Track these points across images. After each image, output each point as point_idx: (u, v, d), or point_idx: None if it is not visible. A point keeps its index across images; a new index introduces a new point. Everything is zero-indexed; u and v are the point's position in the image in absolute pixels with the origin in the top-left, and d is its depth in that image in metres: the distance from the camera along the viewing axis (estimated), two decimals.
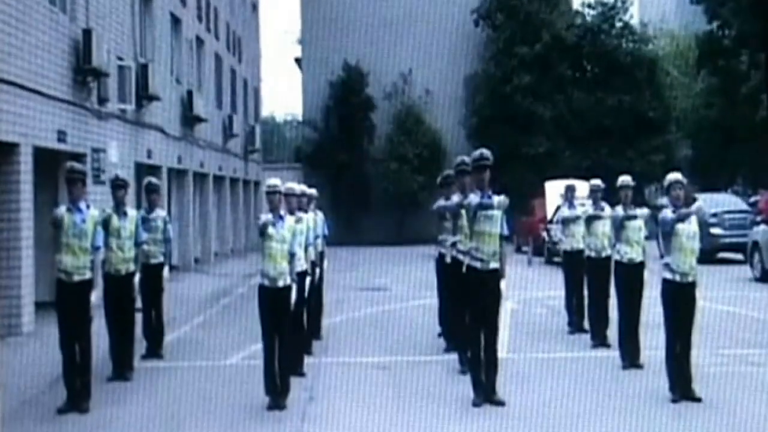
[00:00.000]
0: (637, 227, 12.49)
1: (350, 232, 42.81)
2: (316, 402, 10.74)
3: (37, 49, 16.62)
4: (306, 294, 12.25)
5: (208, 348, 14.64)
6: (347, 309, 18.83)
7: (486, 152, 10.52)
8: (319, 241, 14.33)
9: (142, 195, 14.11)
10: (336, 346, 14.53)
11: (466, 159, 11.57)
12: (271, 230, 10.41)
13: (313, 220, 13.69)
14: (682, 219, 10.40)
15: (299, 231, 11.17)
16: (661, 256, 10.69)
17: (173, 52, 28.26)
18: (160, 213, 13.77)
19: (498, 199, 10.45)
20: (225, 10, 37.16)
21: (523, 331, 15.38)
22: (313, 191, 14.66)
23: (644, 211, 12.73)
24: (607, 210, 13.96)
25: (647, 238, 12.62)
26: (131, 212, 12.53)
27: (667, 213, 10.54)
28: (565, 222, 15.67)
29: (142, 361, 13.08)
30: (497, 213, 10.41)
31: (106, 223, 11.64)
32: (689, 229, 10.53)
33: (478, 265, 10.39)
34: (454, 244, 12.27)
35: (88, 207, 10.76)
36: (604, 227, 13.85)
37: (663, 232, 10.58)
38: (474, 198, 10.48)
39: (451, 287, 12.43)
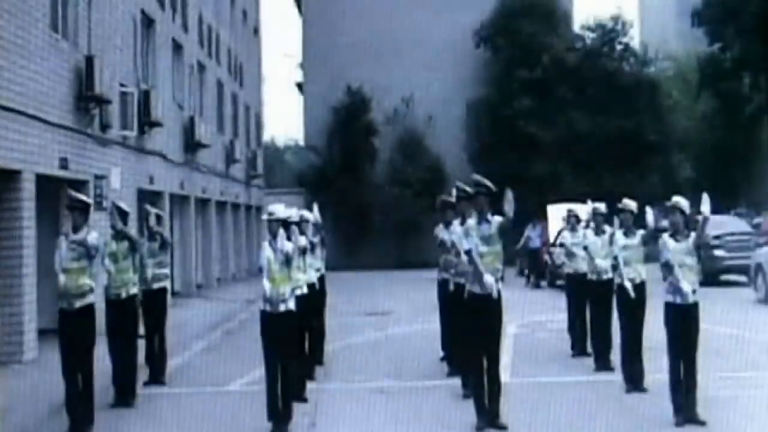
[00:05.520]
0: (637, 249, 12.49)
1: (352, 257, 42.75)
2: (318, 428, 10.72)
3: (39, 76, 16.68)
4: (307, 318, 12.24)
5: (210, 374, 14.63)
6: (349, 334, 18.76)
7: (479, 179, 10.62)
8: (319, 263, 14.31)
9: (143, 223, 14.15)
10: (338, 371, 14.50)
11: (467, 188, 11.58)
12: (270, 256, 10.44)
13: (311, 243, 13.67)
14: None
15: (298, 255, 11.17)
16: (664, 279, 10.68)
17: (175, 78, 28.33)
18: (162, 239, 13.77)
19: (497, 221, 10.48)
20: (227, 35, 37.30)
21: (526, 355, 15.35)
22: (312, 216, 14.63)
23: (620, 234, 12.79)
24: (608, 233, 13.94)
25: (648, 259, 12.61)
26: (132, 238, 12.52)
27: (666, 238, 10.62)
28: (568, 246, 15.68)
29: (144, 387, 13.07)
30: (494, 237, 10.43)
31: (104, 250, 11.67)
32: (685, 246, 10.57)
33: (478, 289, 10.39)
34: (455, 271, 12.28)
35: (88, 234, 10.78)
36: (605, 250, 13.81)
37: (661, 257, 10.63)
38: (471, 223, 10.54)
39: (453, 311, 12.42)
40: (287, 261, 10.53)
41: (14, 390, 12.99)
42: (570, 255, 15.55)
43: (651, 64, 48.91)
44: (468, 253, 10.49)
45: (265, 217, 10.78)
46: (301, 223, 13.11)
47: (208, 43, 33.27)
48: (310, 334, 13.18)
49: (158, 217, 14.06)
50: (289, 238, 11.42)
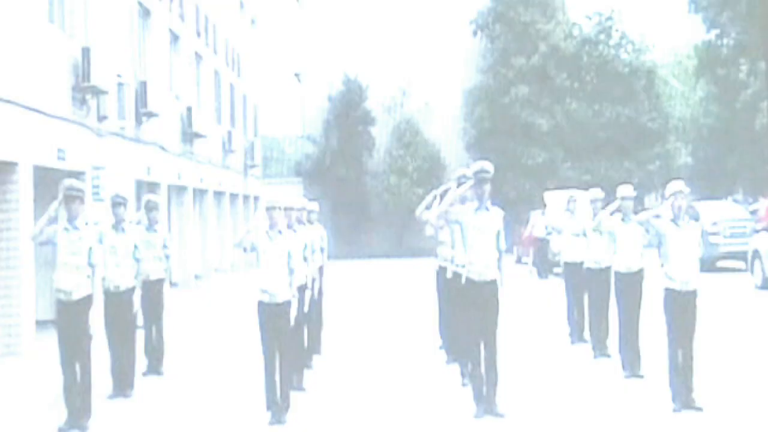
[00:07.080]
0: (635, 236, 12.47)
1: (350, 246, 42.82)
2: (317, 416, 10.73)
3: (36, 68, 16.65)
4: (305, 308, 12.25)
5: (208, 364, 14.64)
6: (347, 322, 18.80)
7: (486, 165, 10.57)
8: (318, 255, 14.30)
9: (142, 212, 14.09)
10: (336, 360, 14.52)
11: (467, 172, 11.55)
12: (267, 245, 10.43)
13: (312, 233, 13.68)
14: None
15: (297, 245, 11.16)
16: (662, 265, 10.68)
17: (172, 69, 28.26)
18: (160, 229, 13.76)
19: (497, 217, 10.50)
20: (224, 25, 37.21)
21: (524, 343, 15.37)
22: (312, 205, 14.66)
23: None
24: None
25: (647, 246, 12.60)
26: (129, 228, 12.51)
27: (668, 223, 10.59)
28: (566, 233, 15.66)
29: (142, 377, 13.07)
30: (491, 226, 10.44)
31: (101, 240, 11.63)
32: (687, 236, 10.54)
33: (475, 277, 10.40)
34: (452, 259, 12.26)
35: (86, 224, 10.78)
36: (603, 237, 13.77)
37: (658, 242, 10.62)
38: (469, 209, 10.55)
39: (451, 299, 12.43)
40: (287, 253, 10.51)
41: (12, 381, 13.00)
42: (564, 241, 15.55)
43: (648, 51, 48.84)
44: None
45: (265, 204, 10.74)
46: (301, 210, 13.13)
47: (206, 33, 33.17)
48: (308, 324, 13.18)
49: (150, 203, 13.78)
50: (290, 227, 11.44)
